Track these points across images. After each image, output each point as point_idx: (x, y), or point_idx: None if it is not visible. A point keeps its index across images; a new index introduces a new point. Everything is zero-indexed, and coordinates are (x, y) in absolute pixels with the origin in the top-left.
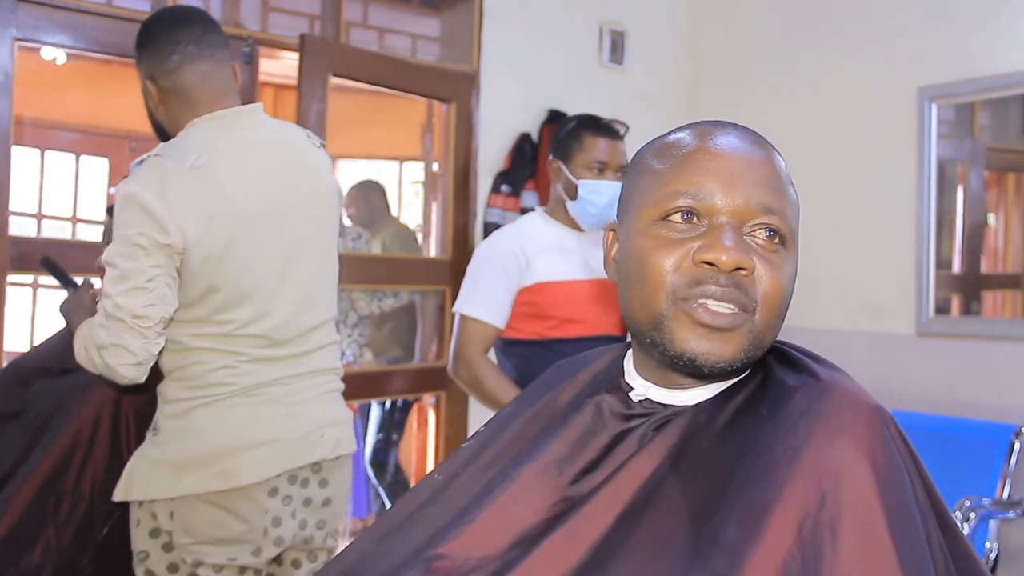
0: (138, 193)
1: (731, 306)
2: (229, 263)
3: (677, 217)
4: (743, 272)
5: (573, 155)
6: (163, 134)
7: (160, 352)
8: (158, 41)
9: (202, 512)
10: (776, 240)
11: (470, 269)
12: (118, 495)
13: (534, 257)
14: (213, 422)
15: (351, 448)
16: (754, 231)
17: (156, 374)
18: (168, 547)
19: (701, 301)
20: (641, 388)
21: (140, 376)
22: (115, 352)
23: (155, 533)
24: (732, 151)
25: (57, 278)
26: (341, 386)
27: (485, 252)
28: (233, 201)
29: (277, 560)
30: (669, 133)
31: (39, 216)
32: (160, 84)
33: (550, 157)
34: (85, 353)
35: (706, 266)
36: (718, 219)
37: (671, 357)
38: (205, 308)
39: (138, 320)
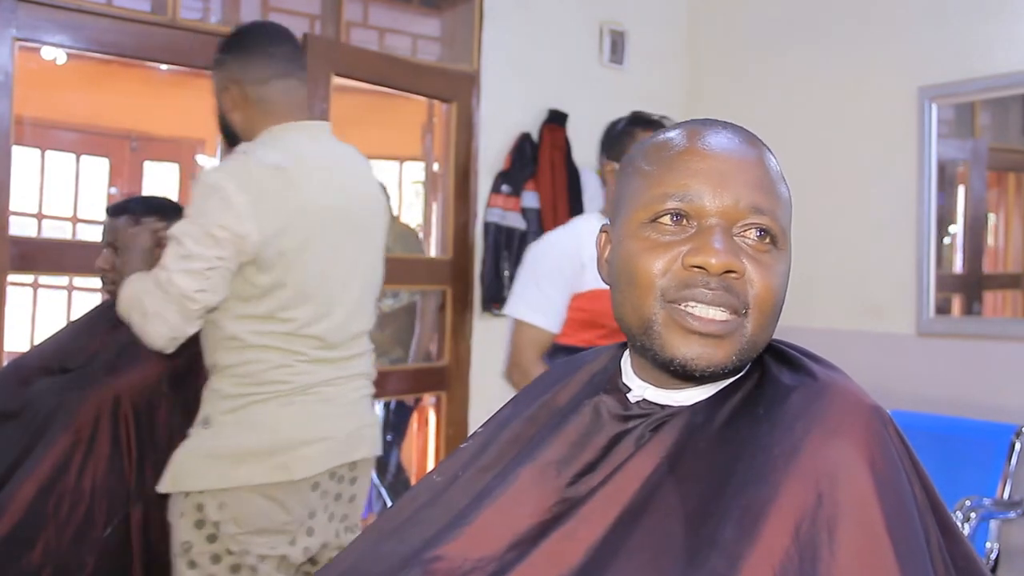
0: (223, 184)
1: (722, 310)
2: (300, 261)
3: (666, 220)
4: (733, 275)
5: None
6: (231, 137)
7: (217, 349)
8: (254, 52)
9: (253, 503)
10: (767, 240)
11: (524, 271)
12: (165, 487)
13: (589, 262)
14: (272, 418)
15: (380, 449)
16: (744, 232)
17: (193, 371)
18: (213, 538)
19: (691, 305)
20: (638, 389)
21: (168, 348)
22: (154, 320)
23: (200, 524)
24: (721, 151)
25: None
26: (373, 390)
27: (541, 254)
28: (311, 204)
29: (312, 561)
30: (659, 133)
31: (39, 216)
32: (247, 90)
33: (603, 159)
34: (127, 306)
35: (696, 269)
36: (707, 221)
37: (662, 361)
38: (270, 304)
39: (187, 300)
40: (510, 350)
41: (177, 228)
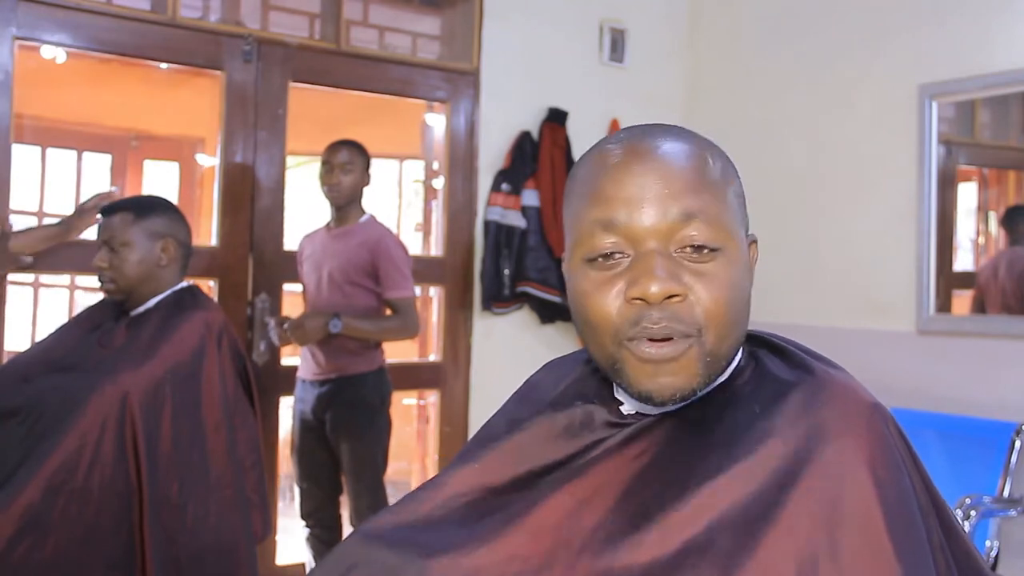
0: None
1: (672, 340)
2: None
3: (601, 259)
4: (676, 299)
5: None
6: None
7: None
8: None
9: None
10: (705, 252)
11: None
12: None
13: None
14: None
15: None
16: (682, 248)
17: (195, 372)
18: None
19: (641, 340)
20: (630, 404)
21: None
22: None
23: None
24: (642, 164)
25: None
26: None
27: None
28: None
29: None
30: (592, 147)
31: (40, 214)
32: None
33: None
34: None
35: (638, 302)
36: (643, 247)
37: (632, 395)
38: None
39: None
40: None
41: None
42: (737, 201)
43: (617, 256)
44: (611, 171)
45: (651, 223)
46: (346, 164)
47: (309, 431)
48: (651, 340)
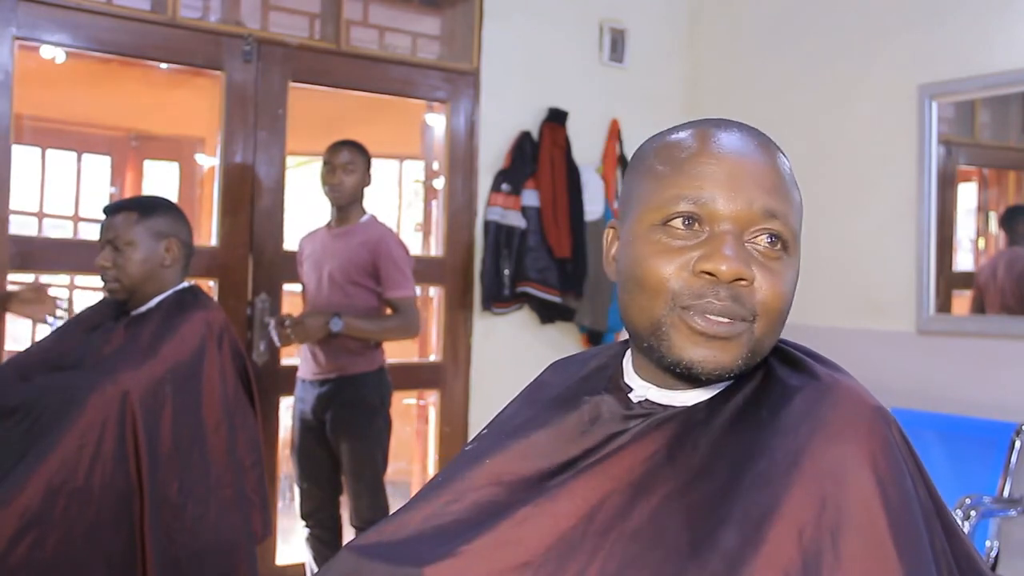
0: None
1: (729, 319)
2: None
3: (678, 223)
4: (743, 283)
5: None
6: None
7: None
8: None
9: None
10: (778, 246)
11: None
12: None
13: None
14: None
15: None
16: (755, 237)
17: (196, 371)
18: None
19: (697, 312)
20: (640, 389)
21: None
22: None
23: None
24: (734, 153)
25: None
26: None
27: None
28: None
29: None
30: (671, 131)
31: (40, 215)
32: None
33: None
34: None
35: (706, 276)
36: (719, 226)
37: (668, 363)
38: None
39: None
40: None
41: None
42: (801, 212)
43: (695, 226)
44: (703, 153)
45: (736, 208)
46: (348, 164)
47: (309, 431)
48: (709, 316)
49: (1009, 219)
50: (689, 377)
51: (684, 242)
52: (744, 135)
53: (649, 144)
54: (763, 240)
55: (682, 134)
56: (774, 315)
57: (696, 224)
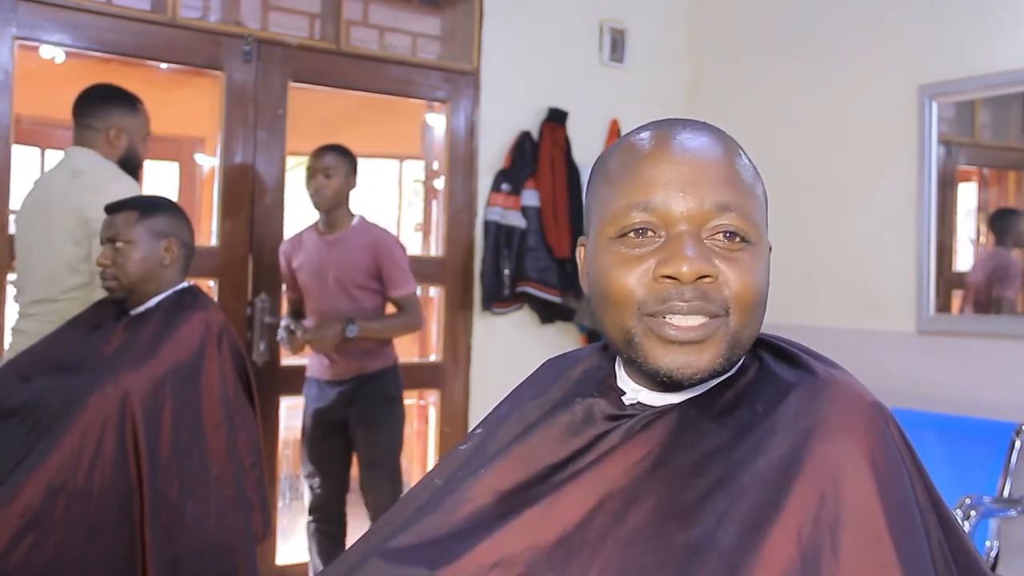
0: None
1: (700, 318)
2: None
3: (632, 235)
4: (707, 279)
5: None
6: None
7: None
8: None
9: None
10: (737, 240)
11: None
12: None
13: None
14: None
15: None
16: (713, 235)
17: (196, 371)
18: None
19: (668, 318)
20: (632, 392)
21: None
22: None
23: None
24: (684, 152)
25: None
26: None
27: None
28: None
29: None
30: (624, 137)
31: None
32: None
33: None
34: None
35: (668, 280)
36: (675, 229)
37: (647, 372)
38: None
39: None
40: None
41: None
42: (763, 202)
43: (649, 234)
44: (650, 157)
45: (687, 208)
46: (329, 169)
47: (326, 427)
48: (677, 323)
49: (997, 221)
50: (671, 385)
51: (642, 250)
52: (696, 133)
53: (605, 153)
54: (720, 237)
55: (632, 139)
56: (747, 306)
57: (651, 232)
